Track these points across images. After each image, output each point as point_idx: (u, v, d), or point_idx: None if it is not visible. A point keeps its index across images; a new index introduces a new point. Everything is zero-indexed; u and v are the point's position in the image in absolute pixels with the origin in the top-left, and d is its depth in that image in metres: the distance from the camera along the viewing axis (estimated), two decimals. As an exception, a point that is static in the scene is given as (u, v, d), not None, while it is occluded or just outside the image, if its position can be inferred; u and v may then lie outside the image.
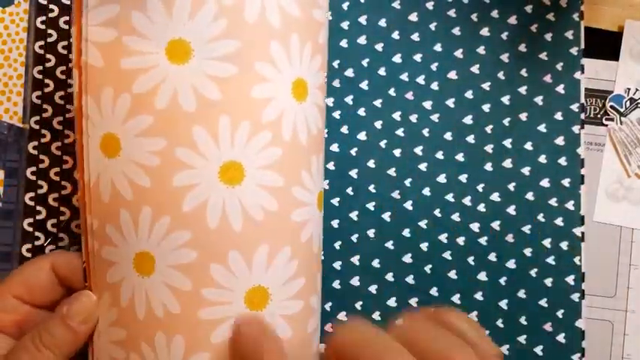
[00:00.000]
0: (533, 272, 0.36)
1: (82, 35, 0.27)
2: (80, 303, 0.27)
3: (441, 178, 0.37)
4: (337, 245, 0.36)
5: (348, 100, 0.37)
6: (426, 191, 0.37)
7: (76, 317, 0.27)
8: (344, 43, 0.38)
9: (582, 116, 0.37)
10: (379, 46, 0.37)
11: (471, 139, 0.37)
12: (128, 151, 0.26)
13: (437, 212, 0.37)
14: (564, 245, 0.36)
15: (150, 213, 0.26)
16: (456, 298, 0.36)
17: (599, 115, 0.38)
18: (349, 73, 0.37)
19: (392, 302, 0.36)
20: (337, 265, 0.36)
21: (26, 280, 0.29)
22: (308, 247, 0.29)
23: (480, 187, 0.37)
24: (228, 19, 0.26)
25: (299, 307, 0.28)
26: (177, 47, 0.26)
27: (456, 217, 0.37)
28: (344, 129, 0.37)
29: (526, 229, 0.37)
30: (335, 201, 0.37)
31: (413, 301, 0.36)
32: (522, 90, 0.37)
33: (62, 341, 0.27)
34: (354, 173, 0.37)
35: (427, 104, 0.37)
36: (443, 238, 0.36)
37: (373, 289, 0.36)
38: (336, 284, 0.36)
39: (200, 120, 0.26)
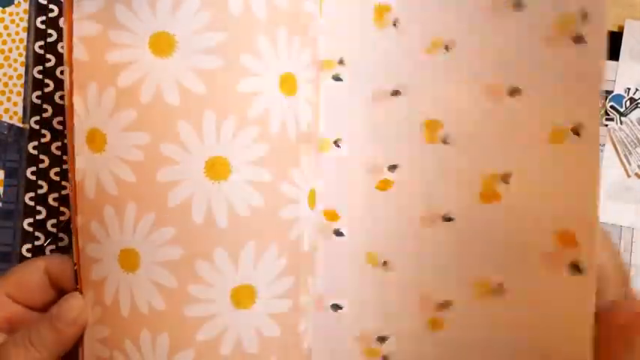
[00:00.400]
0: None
1: (74, 31, 0.27)
2: (68, 305, 0.27)
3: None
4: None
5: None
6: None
7: (64, 319, 0.27)
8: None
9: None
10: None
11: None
12: (113, 146, 0.26)
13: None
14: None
15: (135, 209, 0.26)
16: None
17: (599, 115, 0.38)
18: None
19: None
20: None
21: (19, 281, 0.29)
22: (297, 245, 0.29)
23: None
24: (212, 12, 0.26)
25: (287, 306, 0.28)
26: (161, 40, 0.26)
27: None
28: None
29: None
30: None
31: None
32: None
33: (49, 342, 0.27)
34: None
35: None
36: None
37: None
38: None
39: (184, 114, 0.26)
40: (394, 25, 0.35)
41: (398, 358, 0.33)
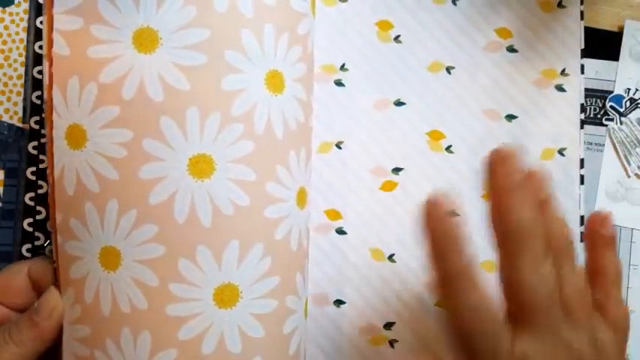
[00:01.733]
0: None
1: (54, 25, 0.26)
2: (44, 299, 0.27)
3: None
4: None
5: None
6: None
7: (41, 313, 0.27)
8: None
9: (582, 116, 0.37)
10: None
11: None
12: (94, 142, 0.26)
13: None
14: None
15: (116, 206, 0.26)
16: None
17: (599, 115, 0.38)
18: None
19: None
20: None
21: (3, 284, 0.29)
22: (284, 245, 0.28)
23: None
24: (197, 7, 0.26)
25: (272, 306, 0.28)
26: (145, 36, 0.26)
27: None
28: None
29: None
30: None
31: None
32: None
33: (27, 336, 0.27)
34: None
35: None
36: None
37: None
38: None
39: (168, 111, 0.26)
40: (396, 40, 0.36)
41: (405, 340, 0.35)
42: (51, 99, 0.27)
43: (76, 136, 0.26)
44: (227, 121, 0.27)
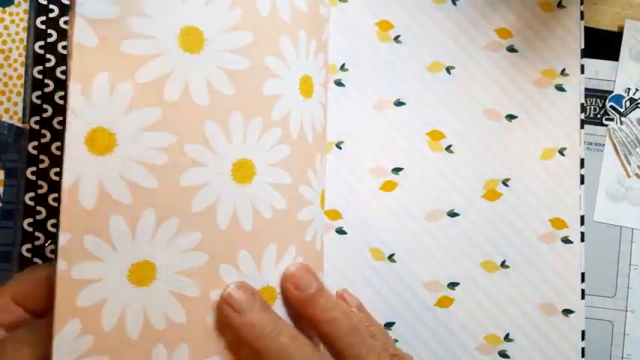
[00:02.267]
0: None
1: (76, 9, 0.23)
2: None
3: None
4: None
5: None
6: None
7: None
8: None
9: (582, 116, 0.37)
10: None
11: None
12: (127, 147, 0.23)
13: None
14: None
15: (153, 216, 0.24)
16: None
17: (599, 115, 0.38)
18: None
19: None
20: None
21: (23, 286, 0.29)
22: (312, 246, 0.29)
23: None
24: (242, 10, 0.25)
25: None
26: (191, 35, 0.24)
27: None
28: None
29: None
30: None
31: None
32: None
33: (44, 340, 0.27)
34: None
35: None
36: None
37: None
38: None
39: (212, 115, 0.25)
40: (396, 40, 0.36)
41: (405, 340, 0.36)
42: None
43: (101, 141, 0.23)
44: (268, 126, 0.26)
